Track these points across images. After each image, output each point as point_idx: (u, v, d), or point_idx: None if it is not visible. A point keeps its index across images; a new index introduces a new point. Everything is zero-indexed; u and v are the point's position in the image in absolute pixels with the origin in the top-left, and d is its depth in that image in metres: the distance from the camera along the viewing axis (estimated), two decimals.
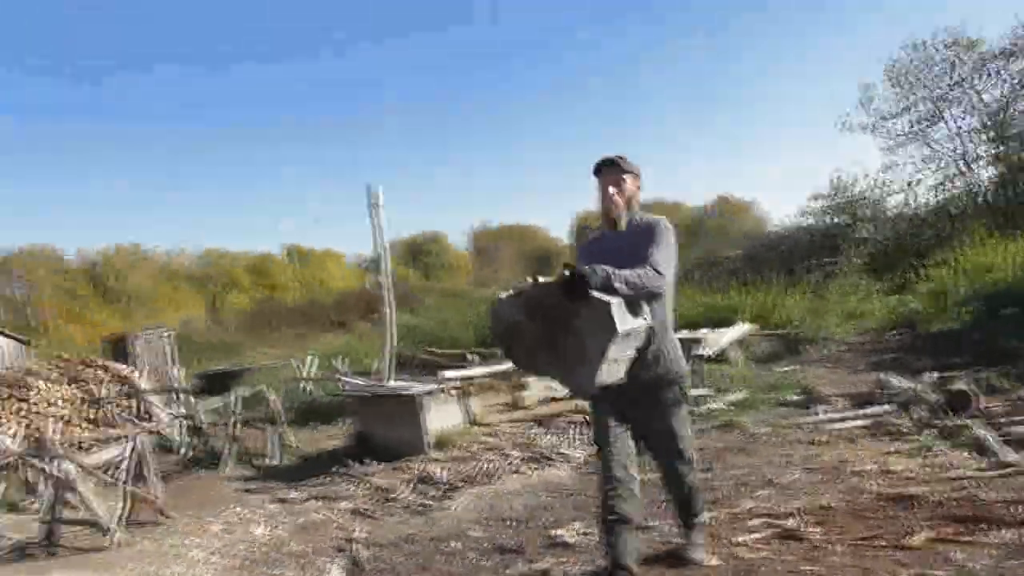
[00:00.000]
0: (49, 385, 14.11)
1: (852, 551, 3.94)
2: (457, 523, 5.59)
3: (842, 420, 7.14)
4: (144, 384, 13.49)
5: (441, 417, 8.45)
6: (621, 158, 3.75)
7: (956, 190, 21.83)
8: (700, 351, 10.52)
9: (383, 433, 8.62)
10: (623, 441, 3.62)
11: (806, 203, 24.43)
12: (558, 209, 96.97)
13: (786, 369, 10.84)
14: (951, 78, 22.40)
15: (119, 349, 22.51)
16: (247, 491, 7.77)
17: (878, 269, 19.18)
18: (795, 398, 8.51)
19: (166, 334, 24.39)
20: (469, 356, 13.97)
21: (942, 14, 54.69)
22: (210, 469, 9.17)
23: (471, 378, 9.65)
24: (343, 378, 11.58)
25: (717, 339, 11.85)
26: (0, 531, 7.79)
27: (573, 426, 8.18)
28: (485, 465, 7.06)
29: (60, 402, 13.95)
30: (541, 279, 3.36)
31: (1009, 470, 4.97)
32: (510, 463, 7.04)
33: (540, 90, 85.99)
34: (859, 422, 6.98)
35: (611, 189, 3.70)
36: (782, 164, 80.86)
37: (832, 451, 6.15)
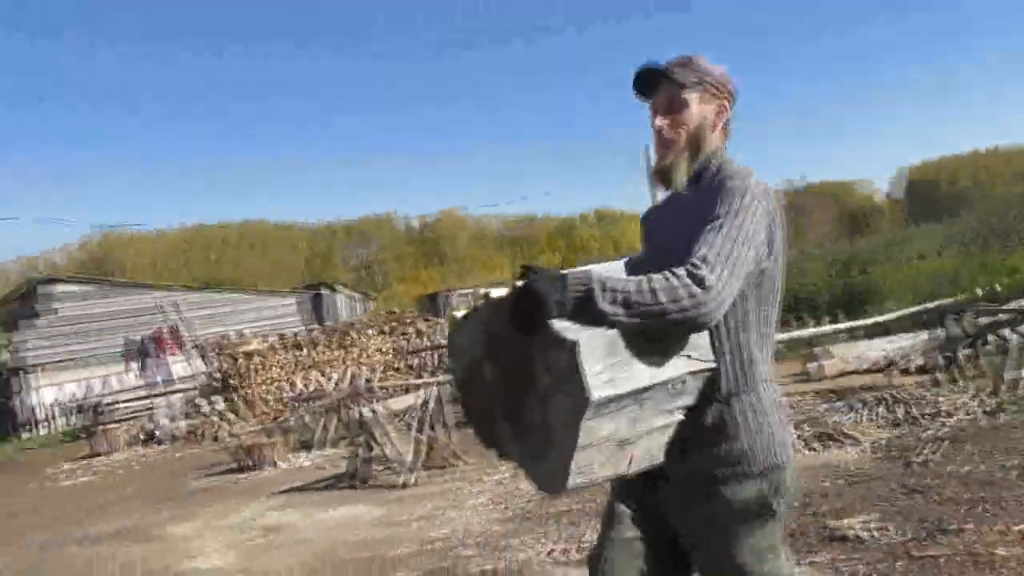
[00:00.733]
0: (368, 336, 16.03)
1: None
2: None
3: None
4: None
5: None
6: (683, 63, 1.95)
7: None
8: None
9: None
10: (626, 566, 1.90)
11: None
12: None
13: None
14: None
15: (432, 305, 24.96)
16: None
17: None
18: None
19: (472, 292, 26.36)
20: None
21: None
22: None
23: None
24: None
25: None
26: (320, 465, 8.96)
27: (882, 402, 7.20)
28: None
29: (376, 352, 15.78)
30: (495, 292, 1.83)
31: None
32: (799, 437, 6.39)
33: None
34: None
35: (659, 121, 1.96)
36: None
37: None
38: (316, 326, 20.30)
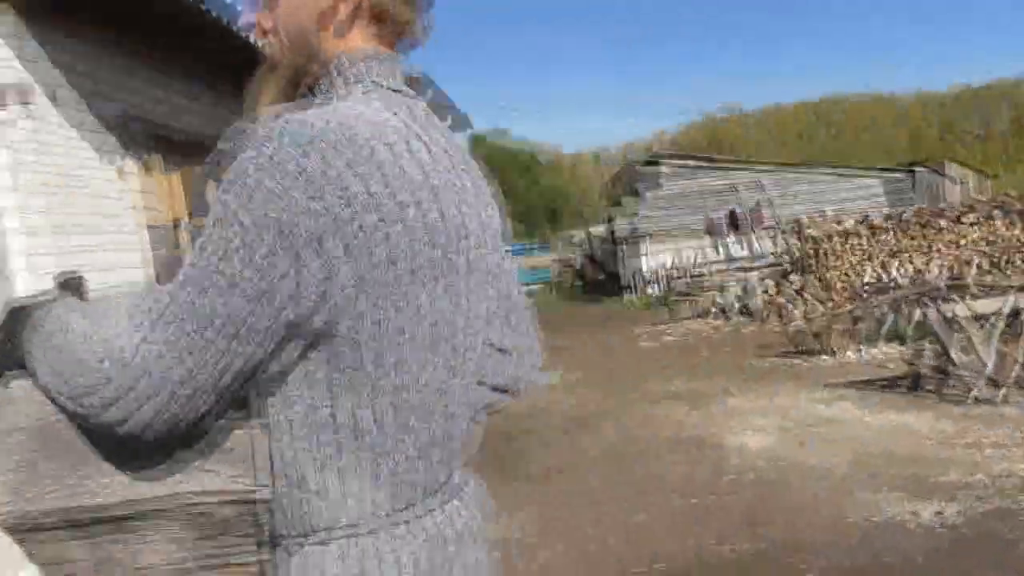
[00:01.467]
0: (967, 223, 13.69)
1: None
2: None
3: None
4: None
5: None
6: None
7: None
8: None
9: None
10: None
11: None
12: None
13: None
14: None
15: None
16: None
17: None
18: None
19: None
20: None
21: None
22: None
23: None
24: None
25: None
26: (882, 363, 8.24)
27: None
28: None
29: (974, 242, 13.42)
30: None
31: None
32: None
33: None
34: None
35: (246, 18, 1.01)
36: None
37: None
38: (905, 209, 18.41)
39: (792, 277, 15.65)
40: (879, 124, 40.11)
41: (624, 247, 21.92)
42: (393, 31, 0.97)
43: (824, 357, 9.06)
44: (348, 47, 0.94)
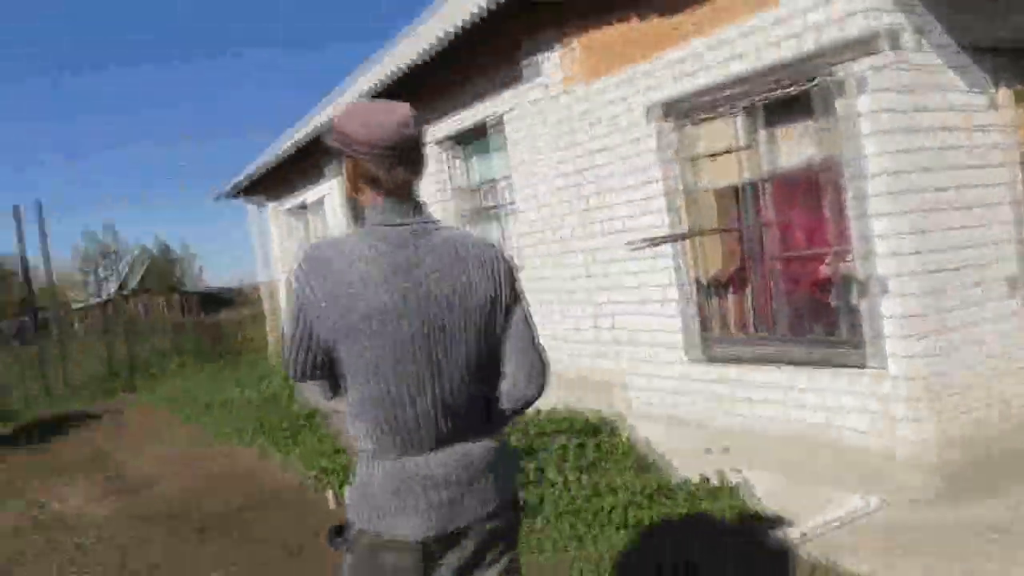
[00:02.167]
0: None
1: None
2: None
3: None
4: None
5: None
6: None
7: None
8: None
9: None
10: None
11: None
12: None
13: None
14: None
15: None
16: None
17: None
18: None
19: None
20: None
21: None
22: None
23: None
24: None
25: None
26: None
27: None
28: None
29: None
30: None
31: None
32: None
33: None
34: None
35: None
36: None
37: None
38: None
39: None
40: None
41: None
42: (383, 189, 1.68)
43: None
44: (364, 201, 1.72)
